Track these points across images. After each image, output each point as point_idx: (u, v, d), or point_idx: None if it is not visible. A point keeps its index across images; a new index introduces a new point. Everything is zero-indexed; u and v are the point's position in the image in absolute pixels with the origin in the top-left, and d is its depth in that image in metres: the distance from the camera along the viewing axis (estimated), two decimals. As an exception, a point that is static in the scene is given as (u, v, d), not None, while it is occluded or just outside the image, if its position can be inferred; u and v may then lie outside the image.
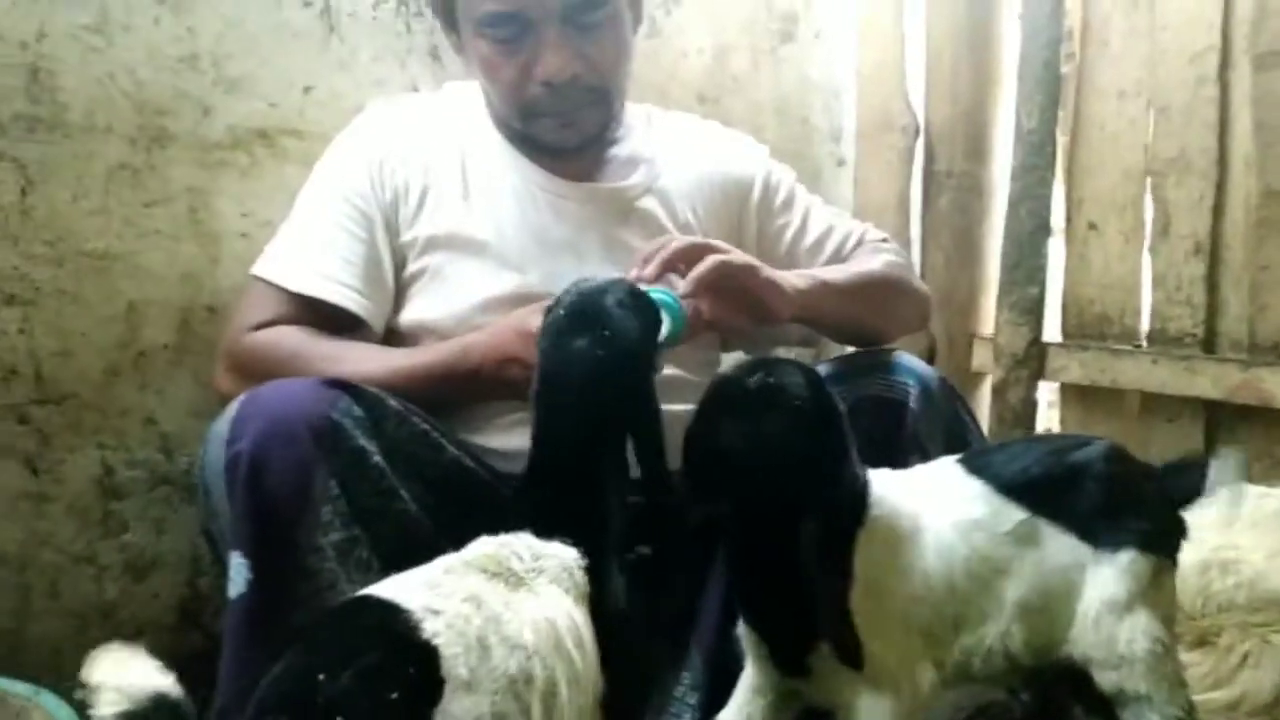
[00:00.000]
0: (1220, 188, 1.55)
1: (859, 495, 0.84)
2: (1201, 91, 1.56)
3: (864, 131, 1.98)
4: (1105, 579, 0.83)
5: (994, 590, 0.84)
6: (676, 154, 1.28)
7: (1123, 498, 0.85)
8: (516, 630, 0.64)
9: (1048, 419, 1.87)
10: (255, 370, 1.04)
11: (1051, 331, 1.76)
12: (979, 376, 1.89)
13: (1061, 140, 1.75)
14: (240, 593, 0.86)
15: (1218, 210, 1.55)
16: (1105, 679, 0.83)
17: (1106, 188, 1.68)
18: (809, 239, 1.31)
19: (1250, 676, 0.98)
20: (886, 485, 0.87)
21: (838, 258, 1.30)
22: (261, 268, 1.14)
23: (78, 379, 1.28)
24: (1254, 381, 1.45)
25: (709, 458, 0.82)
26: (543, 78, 1.11)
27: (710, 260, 1.00)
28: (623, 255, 1.15)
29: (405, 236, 1.16)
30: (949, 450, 0.97)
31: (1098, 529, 0.84)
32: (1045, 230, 1.73)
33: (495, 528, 0.77)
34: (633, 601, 0.84)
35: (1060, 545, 0.84)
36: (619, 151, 1.25)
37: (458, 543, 0.77)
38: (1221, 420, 1.54)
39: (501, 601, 0.66)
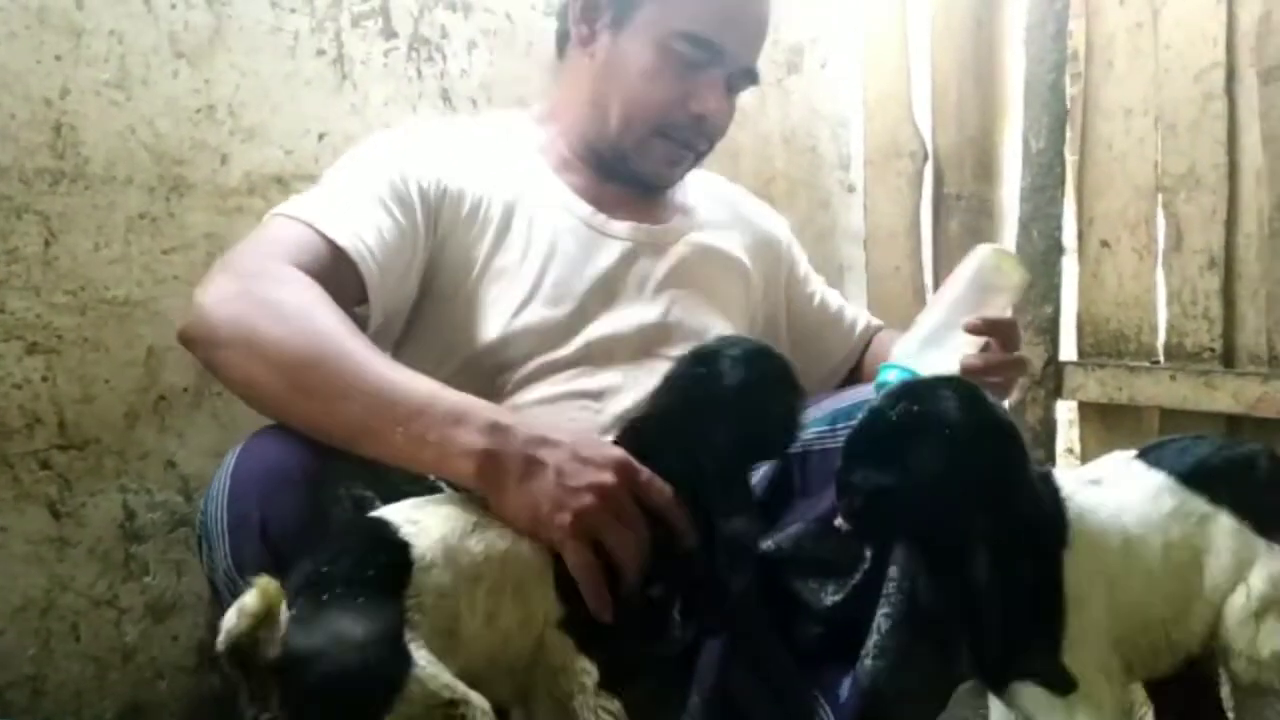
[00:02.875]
0: (1231, 201, 1.54)
1: (1055, 512, 0.80)
2: (1209, 107, 1.56)
3: (872, 158, 1.99)
4: (1269, 571, 0.82)
5: (1188, 583, 0.82)
6: (713, 205, 1.31)
7: None
8: (474, 543, 0.79)
9: (1067, 438, 1.85)
10: (274, 310, 0.88)
11: (1068, 350, 1.74)
12: (997, 399, 1.87)
13: (1070, 160, 1.75)
14: None
15: (1230, 224, 1.54)
16: (1244, 671, 0.82)
17: (1117, 206, 1.68)
18: (831, 310, 1.39)
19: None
20: (1079, 492, 0.82)
21: (852, 333, 1.38)
22: (292, 209, 1.01)
23: (99, 424, 1.30)
24: (1274, 394, 1.43)
25: (867, 503, 0.76)
26: (700, 111, 1.15)
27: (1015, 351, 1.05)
28: (657, 295, 1.16)
29: (446, 244, 1.10)
30: None
31: (1269, 521, 0.84)
32: (1058, 249, 1.73)
33: None
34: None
35: (1238, 536, 0.83)
36: (661, 197, 1.26)
37: None
38: (1243, 434, 1.52)
39: (468, 521, 0.80)
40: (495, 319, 1.09)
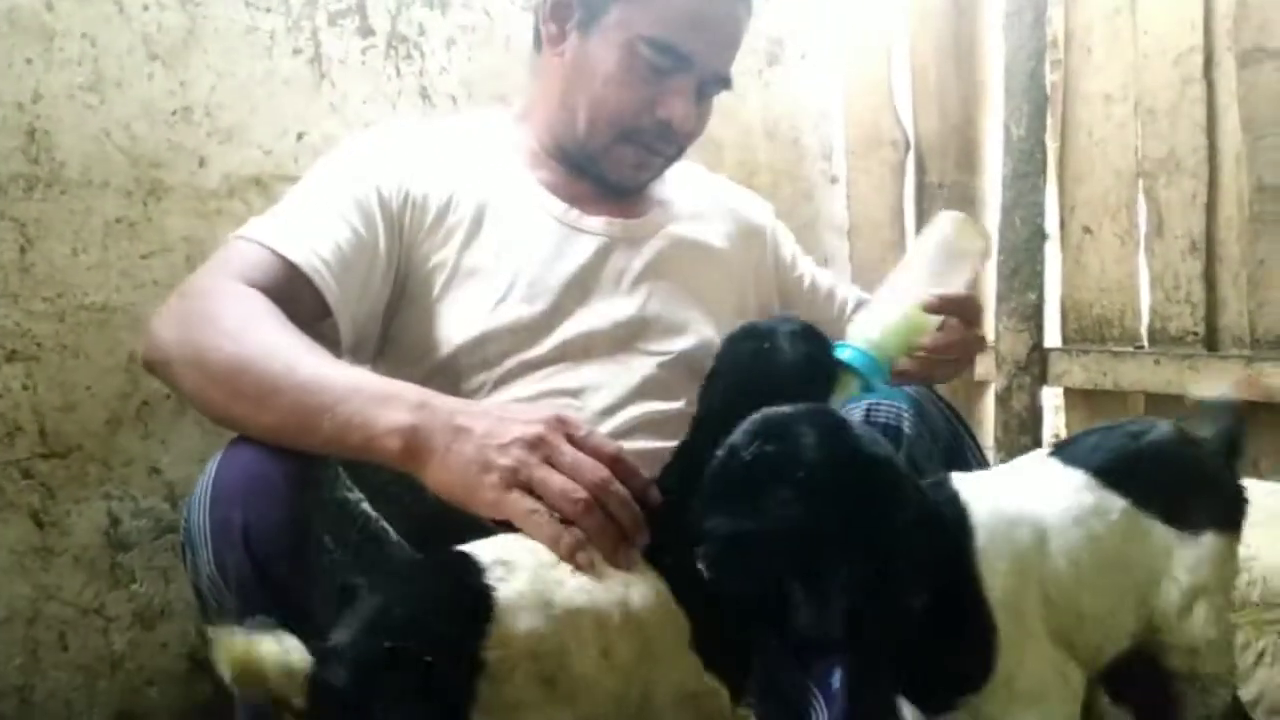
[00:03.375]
0: (1212, 185, 1.55)
1: (955, 524, 0.76)
2: (1188, 91, 1.56)
3: (854, 148, 2.00)
4: (1189, 562, 0.82)
5: (1115, 580, 0.82)
6: (692, 196, 1.29)
7: (1198, 478, 0.85)
8: (567, 588, 0.72)
9: (1054, 424, 1.86)
10: (214, 323, 0.89)
11: (1052, 337, 1.75)
12: (982, 385, 1.88)
13: (1051, 147, 1.76)
14: None
15: (1211, 208, 1.55)
16: (1182, 662, 0.82)
17: (1099, 191, 1.69)
18: (822, 291, 1.39)
19: (1266, 675, 0.96)
20: (996, 495, 0.79)
21: (844, 311, 1.36)
22: (248, 230, 1.02)
23: (81, 431, 1.29)
24: (1257, 377, 1.44)
25: (723, 550, 0.71)
26: (666, 117, 1.13)
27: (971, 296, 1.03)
28: (633, 289, 1.15)
29: (414, 250, 1.10)
30: (948, 468, 0.95)
31: (1178, 512, 0.83)
32: (1040, 236, 1.73)
33: None
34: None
35: (1154, 530, 0.83)
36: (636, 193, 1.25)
37: None
38: (1229, 418, 1.53)
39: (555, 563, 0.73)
40: (470, 319, 1.08)
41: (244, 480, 0.83)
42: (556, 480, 0.77)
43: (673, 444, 0.90)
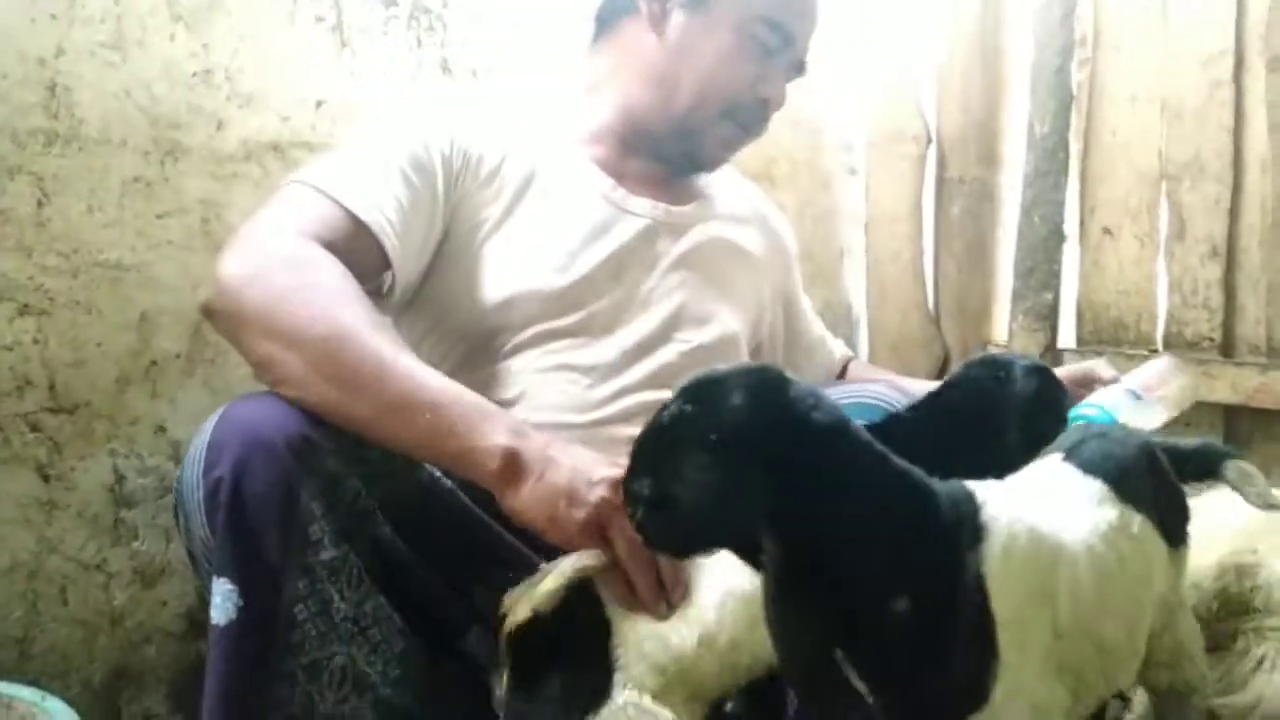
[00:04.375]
0: (1236, 190, 1.53)
1: (954, 531, 0.66)
2: (1216, 94, 1.54)
3: (875, 141, 1.98)
4: (1171, 577, 0.80)
5: (1136, 604, 0.74)
6: (733, 198, 1.32)
7: (1178, 489, 0.83)
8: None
9: (1064, 427, 1.85)
10: (300, 294, 0.88)
11: (1066, 338, 1.74)
12: (994, 385, 1.87)
13: (1075, 146, 1.74)
14: (230, 619, 0.81)
15: (1234, 213, 1.54)
16: (1160, 678, 0.81)
17: (1120, 192, 1.67)
18: (817, 333, 1.43)
19: (1266, 681, 0.95)
20: (1003, 504, 0.69)
21: (833, 358, 1.43)
22: (310, 176, 1.00)
23: (90, 388, 1.30)
24: (1272, 384, 1.43)
25: (647, 514, 0.67)
26: (766, 95, 1.17)
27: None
28: (667, 276, 1.16)
29: (461, 205, 1.10)
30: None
31: (1169, 525, 0.79)
32: (1059, 236, 1.72)
33: (473, 548, 0.77)
34: None
35: (1161, 547, 0.78)
36: (683, 181, 1.27)
37: (433, 562, 0.75)
38: (1241, 424, 1.52)
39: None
40: (501, 279, 1.09)
41: (240, 441, 0.82)
42: (633, 541, 0.79)
43: None
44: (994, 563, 0.65)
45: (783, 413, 0.63)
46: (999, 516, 0.67)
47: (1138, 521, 0.74)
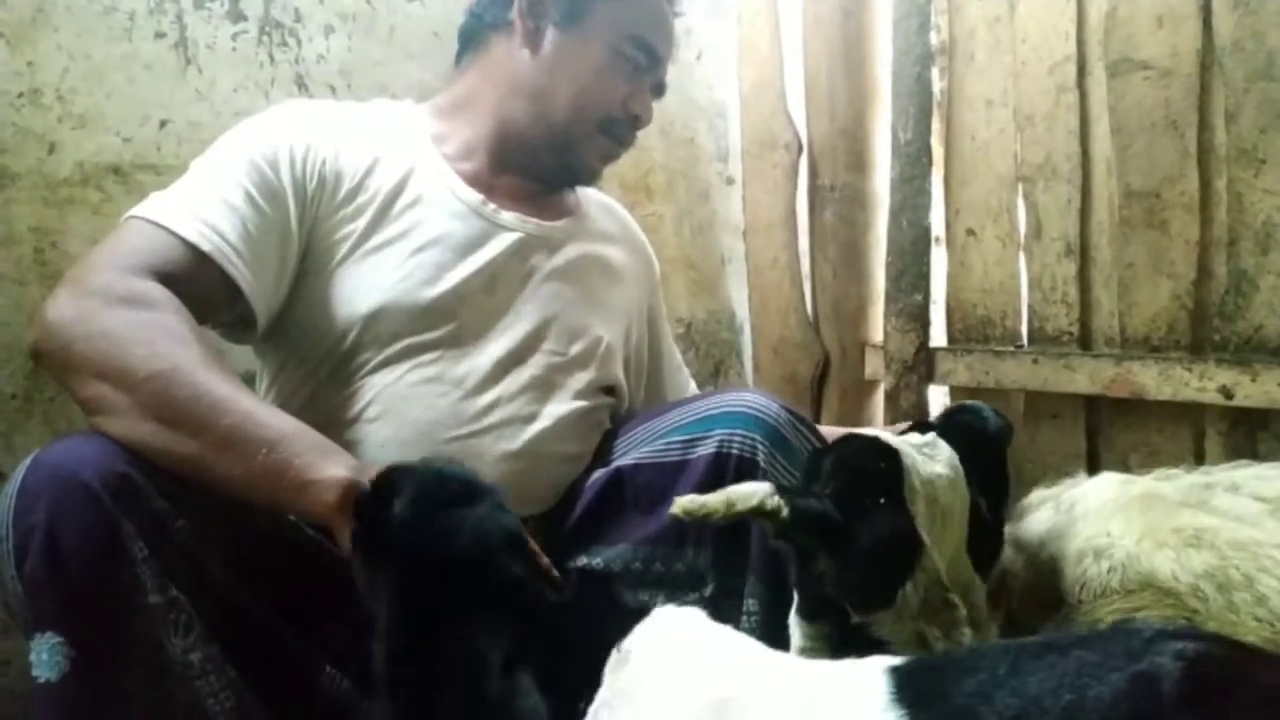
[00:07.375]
0: (1085, 191, 1.59)
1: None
2: (1062, 99, 1.61)
3: (749, 150, 2.00)
4: None
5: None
6: (604, 217, 1.33)
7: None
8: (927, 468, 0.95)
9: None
10: (124, 335, 0.85)
11: (938, 337, 1.78)
12: (872, 384, 1.90)
13: (938, 151, 1.79)
14: (61, 674, 0.76)
15: (1084, 212, 1.60)
16: None
17: (981, 195, 1.72)
18: (676, 359, 1.45)
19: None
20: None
21: (687, 388, 1.45)
22: (148, 210, 0.98)
23: (-86, 435, 1.20)
24: (1126, 375, 1.49)
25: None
26: (637, 111, 1.22)
27: None
28: (539, 289, 1.17)
29: (321, 222, 1.07)
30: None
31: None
32: (927, 238, 1.76)
33: (321, 585, 0.73)
34: None
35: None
36: (553, 197, 1.28)
37: (276, 603, 0.71)
38: (1101, 414, 1.58)
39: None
40: (368, 292, 1.06)
41: (54, 486, 0.77)
42: None
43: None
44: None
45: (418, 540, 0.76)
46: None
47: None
